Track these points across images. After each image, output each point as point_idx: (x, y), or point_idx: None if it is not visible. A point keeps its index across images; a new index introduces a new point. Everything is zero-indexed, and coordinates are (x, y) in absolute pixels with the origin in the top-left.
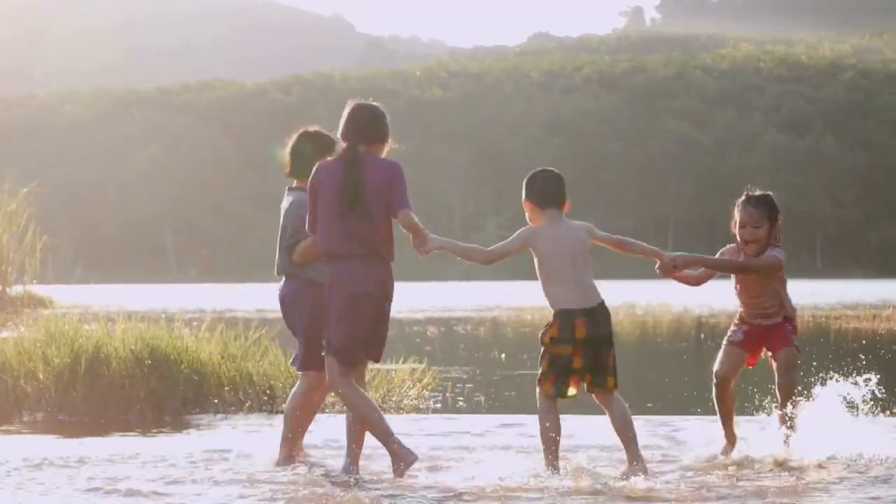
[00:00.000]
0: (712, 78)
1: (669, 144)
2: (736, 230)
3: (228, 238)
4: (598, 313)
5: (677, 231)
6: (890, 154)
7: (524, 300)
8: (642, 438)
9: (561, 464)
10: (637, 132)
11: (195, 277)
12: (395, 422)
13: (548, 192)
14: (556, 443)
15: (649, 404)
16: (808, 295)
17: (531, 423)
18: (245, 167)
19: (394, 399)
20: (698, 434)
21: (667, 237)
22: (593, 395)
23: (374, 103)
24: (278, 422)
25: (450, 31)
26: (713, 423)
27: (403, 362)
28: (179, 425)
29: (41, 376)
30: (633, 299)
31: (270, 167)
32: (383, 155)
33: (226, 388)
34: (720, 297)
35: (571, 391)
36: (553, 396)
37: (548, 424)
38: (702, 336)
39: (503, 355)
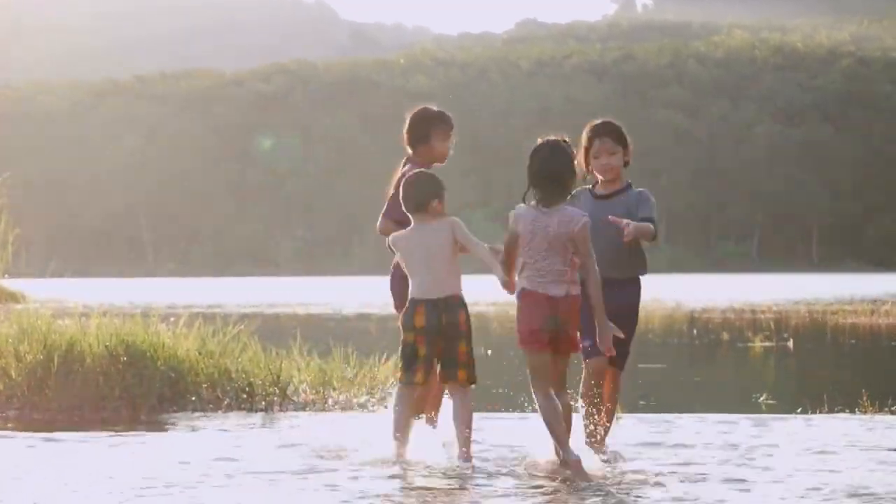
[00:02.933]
0: (705, 67)
1: (661, 135)
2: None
3: (207, 231)
4: (443, 304)
5: (670, 224)
6: (889, 145)
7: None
8: (638, 437)
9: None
10: (628, 123)
11: (172, 271)
12: (381, 420)
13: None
14: (406, 429)
15: (641, 402)
16: (804, 289)
17: (506, 420)
18: (224, 158)
19: (377, 397)
20: (688, 432)
21: (658, 230)
22: (445, 387)
23: (419, 107)
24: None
25: (435, 17)
26: (700, 423)
27: (387, 359)
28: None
29: (13, 373)
30: None
31: (251, 158)
32: (445, 152)
33: (203, 386)
34: (715, 293)
35: (419, 378)
36: (405, 383)
37: (397, 409)
38: (694, 332)
39: (489, 352)
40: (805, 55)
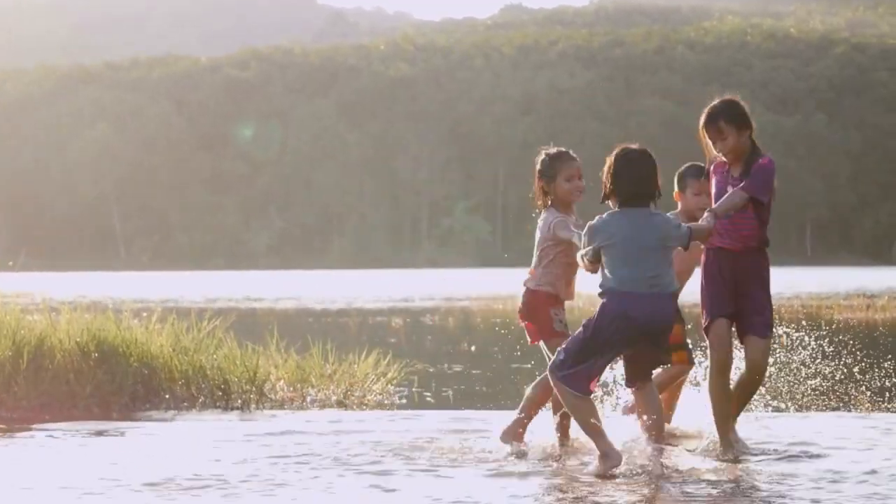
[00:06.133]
0: (695, 53)
1: (649, 124)
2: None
3: (181, 223)
4: None
5: None
6: (884, 134)
7: (496, 289)
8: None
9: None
10: (615, 111)
11: (145, 264)
12: (361, 418)
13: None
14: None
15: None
16: (797, 283)
17: (496, 419)
18: (199, 147)
19: (356, 394)
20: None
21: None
22: None
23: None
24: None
25: (416, 2)
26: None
27: (366, 356)
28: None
29: None
30: None
31: (226, 147)
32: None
33: (178, 383)
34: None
35: None
36: None
37: None
38: (689, 327)
39: (473, 347)
40: (798, 41)
